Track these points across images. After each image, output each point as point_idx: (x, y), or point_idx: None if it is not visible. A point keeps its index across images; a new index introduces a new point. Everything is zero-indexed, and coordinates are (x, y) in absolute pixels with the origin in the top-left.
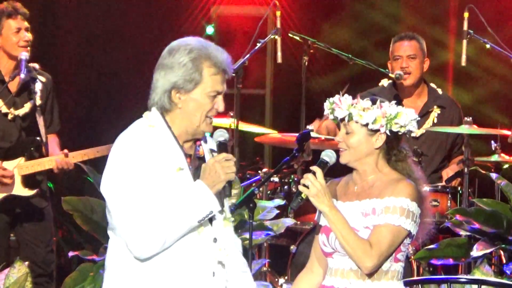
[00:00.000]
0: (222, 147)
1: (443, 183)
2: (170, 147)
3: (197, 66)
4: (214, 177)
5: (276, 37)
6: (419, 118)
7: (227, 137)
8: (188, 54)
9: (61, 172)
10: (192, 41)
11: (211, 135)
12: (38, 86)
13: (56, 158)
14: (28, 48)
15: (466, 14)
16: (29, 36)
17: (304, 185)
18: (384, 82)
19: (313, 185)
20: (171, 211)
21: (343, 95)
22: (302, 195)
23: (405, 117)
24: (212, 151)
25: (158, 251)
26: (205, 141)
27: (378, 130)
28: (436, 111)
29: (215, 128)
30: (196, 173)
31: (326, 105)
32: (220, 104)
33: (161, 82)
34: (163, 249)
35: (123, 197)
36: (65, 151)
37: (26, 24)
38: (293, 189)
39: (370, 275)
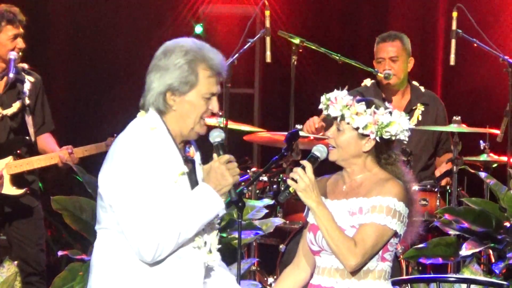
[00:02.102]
0: (221, 147)
1: (434, 178)
2: (171, 151)
3: (193, 68)
4: (221, 180)
5: (265, 36)
6: (413, 127)
7: (224, 137)
8: (184, 56)
9: (65, 167)
10: (187, 42)
11: (207, 135)
12: (26, 86)
13: (59, 154)
14: (20, 54)
15: (454, 14)
16: (22, 44)
17: (293, 179)
18: (367, 82)
19: (301, 179)
20: (181, 216)
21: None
22: (290, 189)
23: (397, 127)
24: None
25: (167, 255)
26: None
27: (368, 135)
28: (420, 109)
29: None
30: (191, 177)
31: (322, 99)
32: (214, 105)
33: (156, 83)
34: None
35: (135, 202)
36: (70, 146)
37: (21, 30)
38: (282, 188)
39: (357, 274)
